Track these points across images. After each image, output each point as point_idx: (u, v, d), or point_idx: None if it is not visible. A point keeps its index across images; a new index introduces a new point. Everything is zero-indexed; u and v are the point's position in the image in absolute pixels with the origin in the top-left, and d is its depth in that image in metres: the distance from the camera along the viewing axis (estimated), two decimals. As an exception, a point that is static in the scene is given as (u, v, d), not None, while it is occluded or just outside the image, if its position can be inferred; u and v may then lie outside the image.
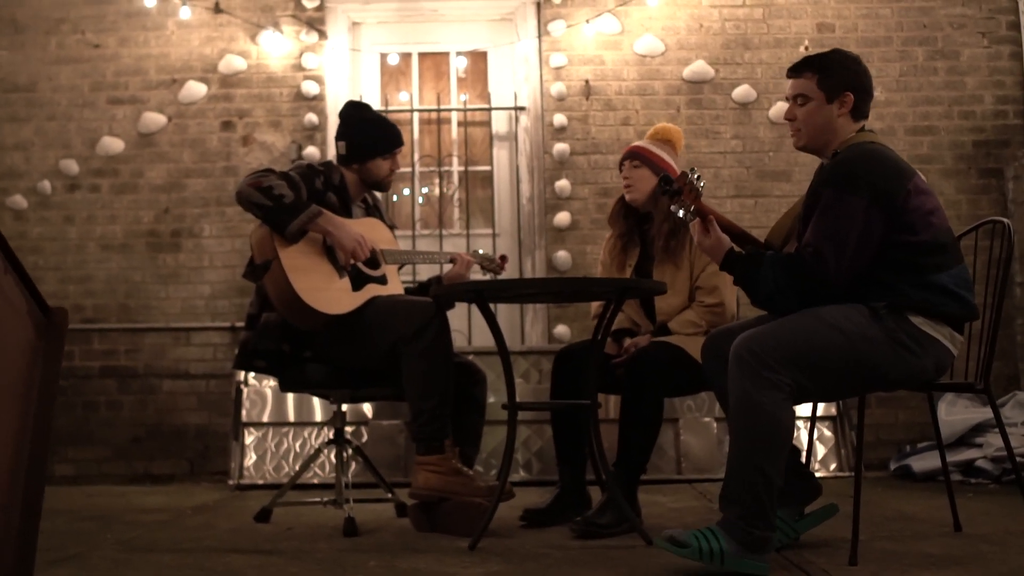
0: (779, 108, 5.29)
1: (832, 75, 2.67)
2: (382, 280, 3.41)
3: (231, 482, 4.73)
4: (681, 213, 2.64)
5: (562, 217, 5.28)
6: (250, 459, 4.83)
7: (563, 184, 5.29)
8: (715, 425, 4.85)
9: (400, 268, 3.58)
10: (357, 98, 5.44)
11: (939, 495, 3.85)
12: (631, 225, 3.59)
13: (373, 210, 3.63)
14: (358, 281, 3.33)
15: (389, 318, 3.22)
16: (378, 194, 3.71)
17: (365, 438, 4.84)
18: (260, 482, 4.72)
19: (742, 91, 5.33)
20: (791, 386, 2.44)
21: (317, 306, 3.16)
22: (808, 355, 2.45)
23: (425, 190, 5.55)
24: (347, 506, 3.31)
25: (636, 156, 3.52)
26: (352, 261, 3.28)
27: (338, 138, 3.52)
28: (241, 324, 3.59)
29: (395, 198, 5.51)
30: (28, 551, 1.33)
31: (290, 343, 3.29)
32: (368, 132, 3.49)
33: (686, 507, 3.82)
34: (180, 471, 5.11)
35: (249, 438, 4.88)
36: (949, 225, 2.65)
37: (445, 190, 5.51)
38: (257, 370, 3.41)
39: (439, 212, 5.47)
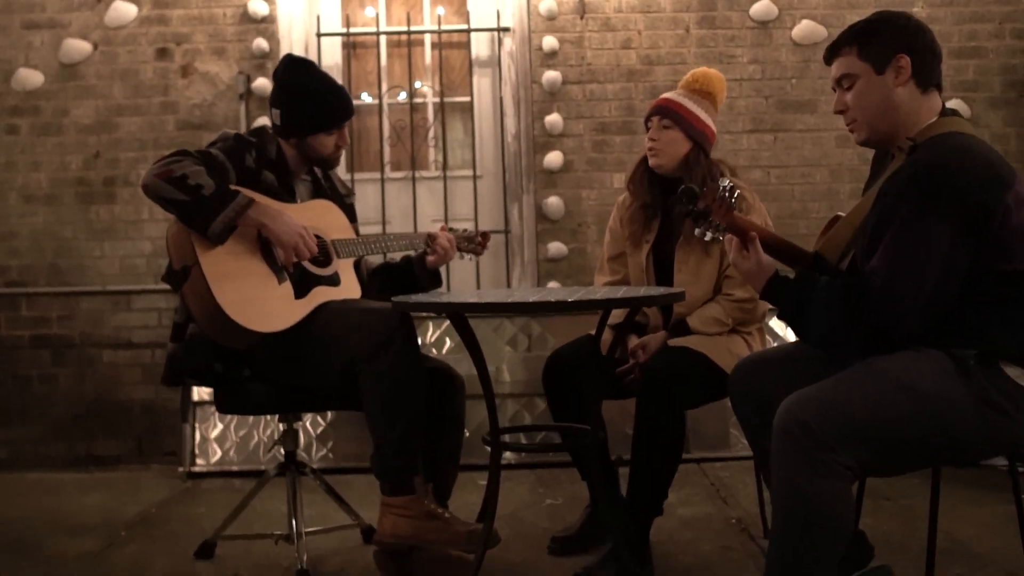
0: (804, 27, 4.56)
1: (874, 39, 2.06)
2: (333, 280, 2.76)
3: (181, 469, 4.20)
4: (708, 236, 2.05)
5: (553, 157, 4.59)
6: (202, 442, 4.27)
7: (554, 119, 4.58)
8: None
9: (358, 261, 2.93)
10: (314, 19, 4.68)
11: (989, 496, 3.33)
12: (656, 194, 2.96)
13: (322, 183, 2.96)
14: (303, 284, 2.69)
15: (342, 332, 2.60)
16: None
17: (330, 417, 4.28)
18: (215, 469, 4.18)
19: (761, 7, 4.57)
20: (853, 468, 1.87)
21: (246, 323, 2.52)
22: (876, 428, 1.87)
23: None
24: (301, 543, 2.78)
25: (666, 113, 2.88)
26: (295, 260, 2.64)
27: (272, 104, 2.82)
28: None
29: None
30: None
31: (223, 362, 2.68)
32: (307, 102, 2.78)
33: (701, 515, 3.31)
34: (127, 451, 4.54)
35: (202, 417, 4.31)
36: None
37: (418, 125, 4.80)
38: (191, 384, 2.84)
39: (411, 152, 4.78)
